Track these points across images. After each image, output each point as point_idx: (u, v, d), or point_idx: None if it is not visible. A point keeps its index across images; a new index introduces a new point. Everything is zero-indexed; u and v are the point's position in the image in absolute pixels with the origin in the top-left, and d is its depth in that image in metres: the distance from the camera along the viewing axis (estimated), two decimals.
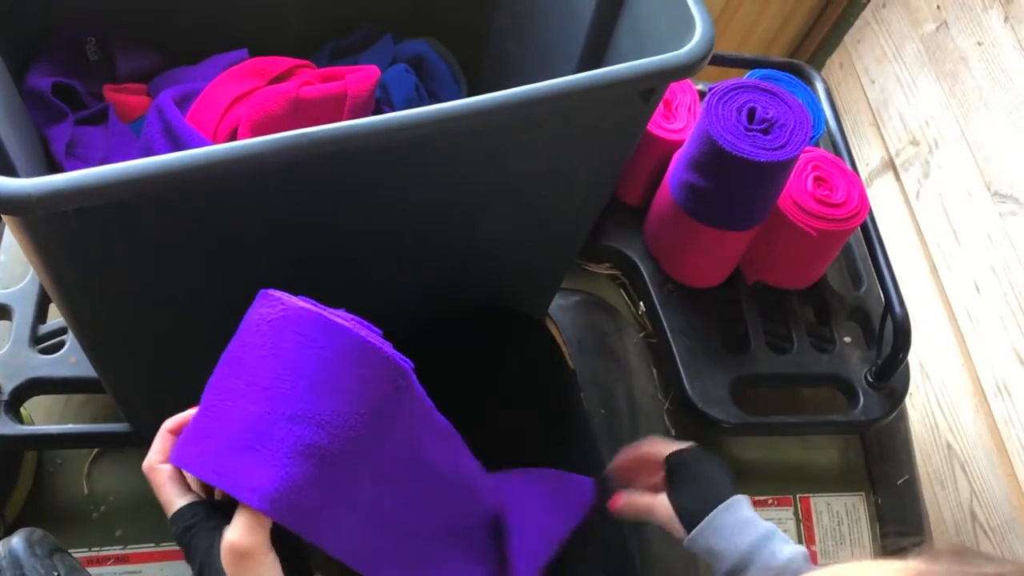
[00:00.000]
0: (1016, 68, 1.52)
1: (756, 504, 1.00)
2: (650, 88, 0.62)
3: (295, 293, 0.69)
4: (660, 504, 0.72)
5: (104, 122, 0.82)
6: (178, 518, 0.54)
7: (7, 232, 0.89)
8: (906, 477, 1.06)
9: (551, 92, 0.56)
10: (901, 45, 1.83)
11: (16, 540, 0.77)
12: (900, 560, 0.34)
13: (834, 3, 2.02)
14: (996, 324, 1.54)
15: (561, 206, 0.75)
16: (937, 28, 1.72)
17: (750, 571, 0.66)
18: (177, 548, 0.88)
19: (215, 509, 0.54)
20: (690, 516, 0.70)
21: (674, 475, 0.73)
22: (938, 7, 1.72)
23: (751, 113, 0.87)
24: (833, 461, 1.04)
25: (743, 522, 0.69)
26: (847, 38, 1.99)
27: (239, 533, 0.50)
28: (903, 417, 1.09)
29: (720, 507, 0.69)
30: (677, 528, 0.71)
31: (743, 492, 1.01)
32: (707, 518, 0.69)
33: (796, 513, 0.99)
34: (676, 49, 0.60)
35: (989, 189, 1.57)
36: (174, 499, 0.55)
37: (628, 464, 0.77)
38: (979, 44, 1.61)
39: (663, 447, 0.75)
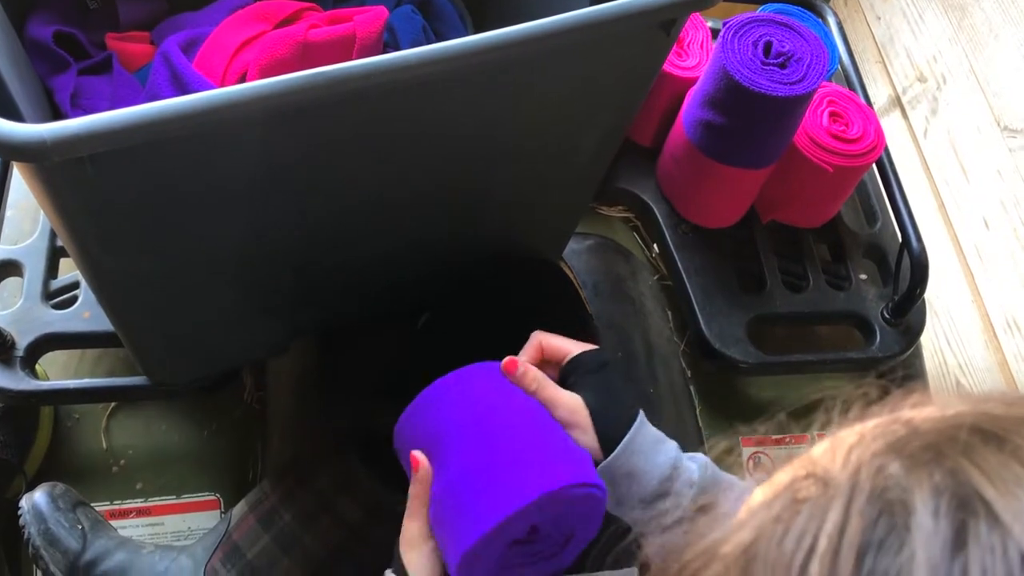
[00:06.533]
0: None
1: (774, 443, 1.00)
2: (672, 19, 0.60)
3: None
4: (566, 400, 0.62)
5: (108, 72, 0.81)
6: None
7: (13, 187, 0.87)
8: None
9: (571, 24, 0.55)
10: None
11: (39, 494, 0.78)
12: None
13: None
14: (1006, 260, 1.53)
15: (578, 147, 0.74)
16: None
17: (673, 491, 0.60)
18: (198, 500, 0.89)
19: None
20: (603, 432, 0.61)
21: (578, 378, 0.64)
22: None
23: (767, 47, 0.86)
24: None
25: (657, 439, 0.62)
26: None
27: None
28: (918, 354, 1.09)
29: (636, 423, 0.61)
30: (585, 439, 0.61)
31: (764, 432, 1.01)
32: (628, 437, 0.60)
33: None
34: None
35: (999, 124, 1.55)
36: None
37: (532, 356, 0.66)
38: None
39: (567, 344, 0.66)
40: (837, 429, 0.33)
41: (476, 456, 0.58)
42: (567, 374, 0.65)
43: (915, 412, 0.32)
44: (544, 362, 0.66)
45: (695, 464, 0.62)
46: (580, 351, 0.65)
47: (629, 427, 0.61)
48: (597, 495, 0.58)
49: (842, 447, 0.31)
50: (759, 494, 0.32)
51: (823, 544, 0.27)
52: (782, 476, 0.32)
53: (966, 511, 0.26)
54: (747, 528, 0.30)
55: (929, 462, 0.28)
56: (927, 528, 0.26)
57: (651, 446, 0.61)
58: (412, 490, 0.61)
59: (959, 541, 0.25)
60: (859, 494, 0.28)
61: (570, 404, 0.62)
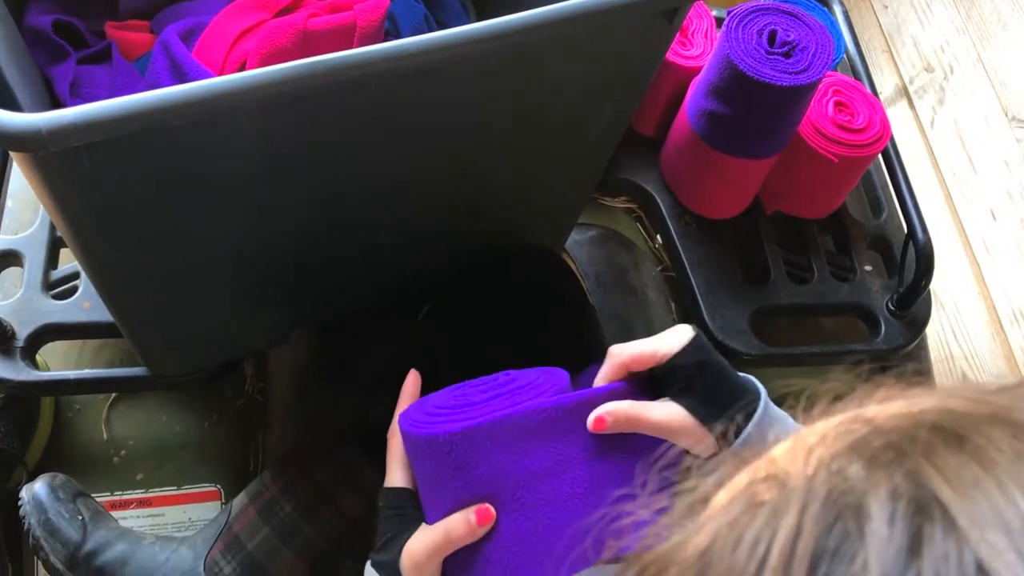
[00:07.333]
0: None
1: None
2: (674, 7, 0.59)
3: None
4: (678, 425, 0.56)
5: (108, 61, 0.80)
6: (391, 494, 0.60)
7: (13, 177, 0.87)
8: None
9: (572, 12, 0.54)
10: None
11: (39, 485, 0.78)
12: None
13: None
14: (1013, 251, 1.52)
15: (580, 137, 0.73)
16: None
17: None
18: (199, 491, 0.88)
19: (418, 507, 0.59)
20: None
21: (682, 387, 0.58)
22: None
23: (772, 36, 0.85)
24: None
25: (779, 416, 0.58)
26: None
27: (424, 547, 0.55)
28: (923, 346, 1.08)
29: (759, 411, 0.56)
30: (702, 446, 0.57)
31: None
32: (756, 418, 0.56)
33: None
34: None
35: (1007, 114, 1.54)
36: (396, 472, 0.61)
37: (618, 374, 0.61)
38: None
39: (651, 347, 0.59)
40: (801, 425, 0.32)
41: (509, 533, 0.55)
42: (665, 383, 0.59)
43: (880, 408, 0.30)
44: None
45: None
46: (671, 353, 0.58)
47: (751, 416, 0.57)
48: None
49: (803, 447, 0.29)
50: (721, 496, 0.30)
51: (775, 555, 0.26)
52: (742, 477, 0.30)
53: (923, 516, 0.25)
54: (704, 532, 0.29)
55: (889, 463, 0.27)
56: (881, 535, 0.25)
57: (779, 422, 0.57)
58: (457, 532, 0.55)
59: (914, 548, 0.24)
60: (814, 499, 0.27)
61: (683, 426, 0.56)
